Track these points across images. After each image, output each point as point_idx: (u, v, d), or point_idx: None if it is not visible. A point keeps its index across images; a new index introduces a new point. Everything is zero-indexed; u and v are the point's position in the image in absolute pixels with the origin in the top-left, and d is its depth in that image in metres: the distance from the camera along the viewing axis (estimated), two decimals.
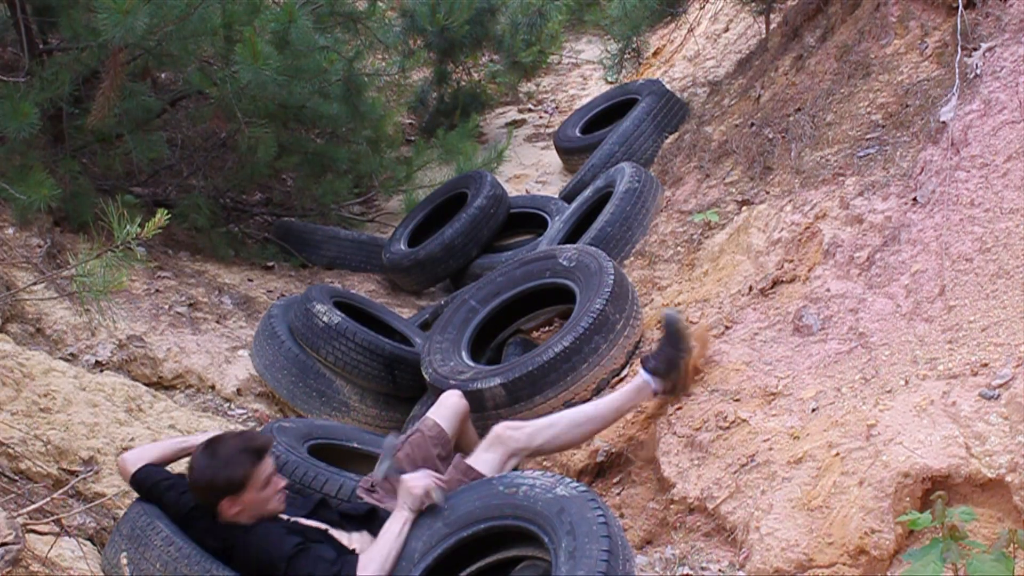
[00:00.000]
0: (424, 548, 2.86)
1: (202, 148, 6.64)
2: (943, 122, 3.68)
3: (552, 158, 7.82)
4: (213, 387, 4.62)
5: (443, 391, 3.89)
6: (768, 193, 4.27)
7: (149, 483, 3.14)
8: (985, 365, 2.87)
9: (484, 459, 3.20)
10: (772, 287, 3.74)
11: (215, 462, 2.94)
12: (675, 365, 3.45)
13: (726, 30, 8.07)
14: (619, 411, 3.47)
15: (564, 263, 4.21)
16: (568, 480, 2.83)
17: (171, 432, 4.00)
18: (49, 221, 5.16)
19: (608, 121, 6.93)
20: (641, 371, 3.49)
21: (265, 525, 2.98)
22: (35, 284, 4.52)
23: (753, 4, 6.61)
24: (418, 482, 2.94)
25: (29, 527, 3.07)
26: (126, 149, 5.55)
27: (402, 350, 4.65)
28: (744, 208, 4.32)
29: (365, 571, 2.83)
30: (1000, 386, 2.77)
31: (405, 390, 4.57)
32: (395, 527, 2.92)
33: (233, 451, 2.95)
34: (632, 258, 4.70)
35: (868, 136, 4.05)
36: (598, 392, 3.77)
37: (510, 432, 3.25)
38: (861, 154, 3.97)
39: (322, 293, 4.76)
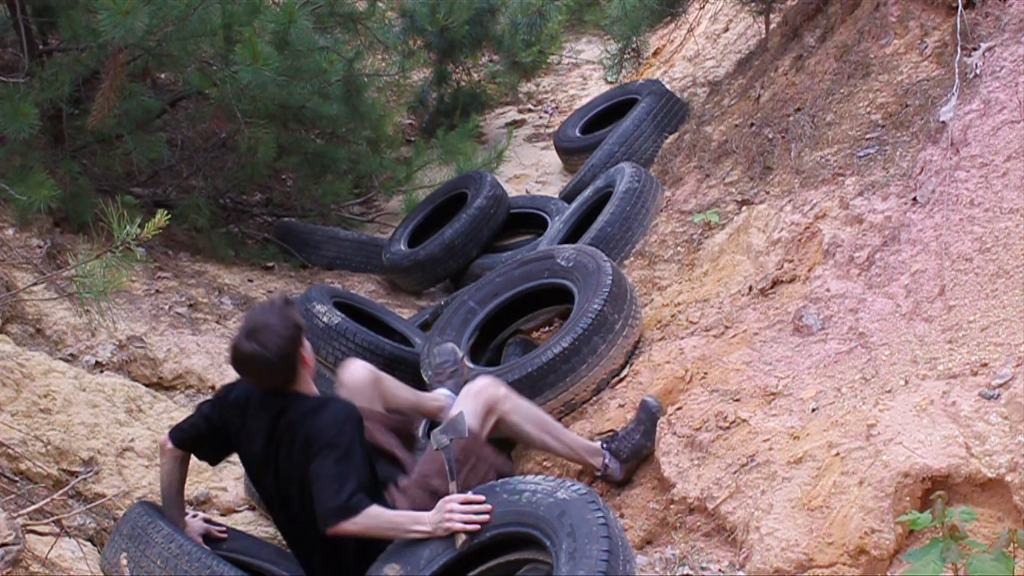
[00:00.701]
0: (431, 555, 2.87)
1: (202, 148, 6.64)
2: (943, 122, 3.68)
3: (552, 158, 7.82)
4: (213, 388, 4.62)
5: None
6: (768, 193, 4.28)
7: (189, 431, 3.17)
8: (985, 365, 2.87)
9: (468, 408, 3.22)
10: (772, 287, 3.74)
11: (273, 334, 2.96)
12: (639, 455, 3.46)
13: (726, 30, 8.07)
14: (567, 453, 3.46)
15: (562, 263, 4.20)
16: (569, 482, 2.83)
17: None
18: (49, 222, 5.16)
19: (608, 121, 6.92)
20: (604, 448, 3.44)
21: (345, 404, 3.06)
22: (35, 285, 4.52)
23: (753, 4, 6.60)
24: (453, 519, 2.88)
25: (29, 528, 3.08)
26: (126, 150, 5.55)
27: (402, 350, 4.64)
28: (744, 208, 4.32)
29: (363, 519, 2.87)
30: (1000, 386, 2.77)
31: None
32: (411, 527, 2.92)
33: (285, 317, 3.00)
34: (632, 258, 4.70)
35: (868, 136, 4.05)
36: (598, 392, 3.78)
37: (493, 390, 3.28)
38: (861, 154, 3.97)
39: (322, 293, 4.76)
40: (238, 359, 3.03)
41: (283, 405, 3.06)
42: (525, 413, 3.36)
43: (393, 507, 3.05)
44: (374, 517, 2.90)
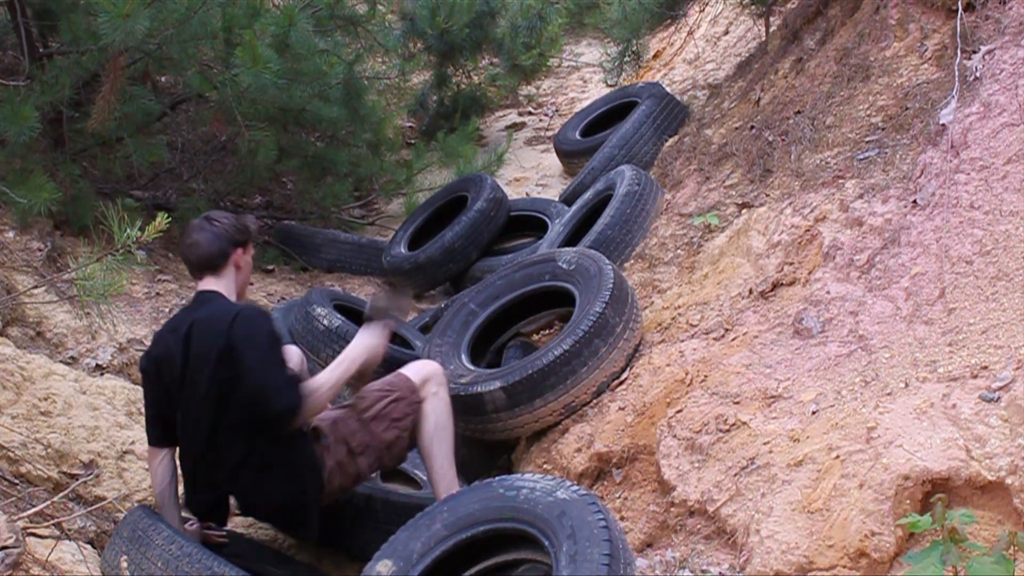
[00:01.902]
0: (422, 549, 2.87)
1: (202, 151, 6.64)
2: (943, 125, 3.68)
3: (552, 161, 7.82)
4: None
5: None
6: (768, 196, 4.28)
7: (150, 420, 3.29)
8: (985, 368, 2.87)
9: (415, 368, 3.59)
10: (772, 290, 3.74)
11: (226, 220, 3.29)
12: None
13: (726, 33, 8.08)
14: (430, 472, 3.52)
15: (563, 266, 4.21)
16: (569, 483, 2.83)
17: None
18: (49, 224, 5.16)
19: (608, 124, 6.93)
20: None
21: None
22: (36, 288, 4.52)
23: (753, 7, 6.61)
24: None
25: (29, 531, 3.08)
26: (126, 152, 5.55)
27: (402, 353, 4.64)
28: (744, 211, 4.32)
29: (314, 400, 3.12)
30: (1000, 388, 2.77)
31: None
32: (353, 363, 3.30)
33: (233, 217, 3.34)
34: (632, 261, 4.70)
35: (868, 139, 4.05)
36: (598, 395, 3.78)
37: (438, 368, 3.59)
38: (861, 157, 3.98)
39: (322, 296, 4.76)
40: (185, 233, 3.31)
41: (199, 306, 3.23)
42: (440, 410, 3.49)
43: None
44: (322, 391, 3.16)
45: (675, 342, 3.81)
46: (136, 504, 3.26)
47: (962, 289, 3.19)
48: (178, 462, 3.30)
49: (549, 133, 8.55)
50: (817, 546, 2.74)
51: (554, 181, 7.56)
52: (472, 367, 4.09)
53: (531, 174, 7.84)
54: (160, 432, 3.26)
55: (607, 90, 8.49)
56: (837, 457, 2.86)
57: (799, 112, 4.53)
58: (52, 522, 3.19)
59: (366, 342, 3.37)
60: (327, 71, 5.83)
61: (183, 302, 5.16)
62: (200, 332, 3.13)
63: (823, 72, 4.62)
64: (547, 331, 4.61)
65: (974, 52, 3.81)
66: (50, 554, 2.99)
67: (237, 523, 3.77)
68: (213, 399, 3.11)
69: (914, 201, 3.56)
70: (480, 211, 6.09)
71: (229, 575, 2.99)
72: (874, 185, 3.76)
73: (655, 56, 8.89)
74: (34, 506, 3.20)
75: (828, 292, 3.52)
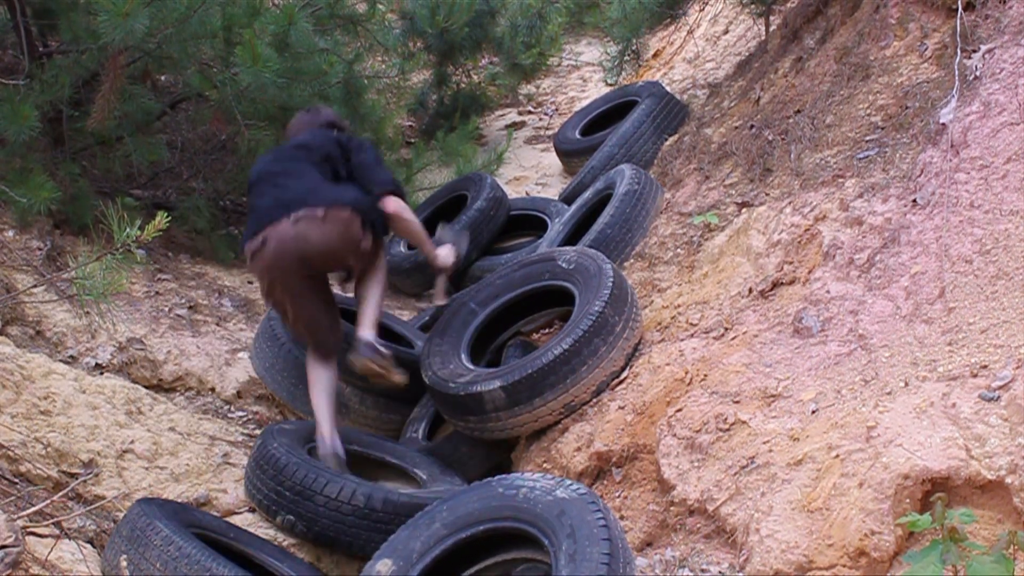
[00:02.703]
0: (422, 548, 2.87)
1: (202, 150, 6.63)
2: (943, 124, 3.68)
3: (552, 160, 7.81)
4: (213, 389, 4.61)
5: (442, 394, 3.90)
6: (768, 195, 4.28)
7: None
8: (985, 367, 2.87)
9: None
10: (772, 289, 3.74)
11: (327, 110, 4.72)
12: None
13: (726, 32, 8.07)
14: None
15: (563, 265, 4.21)
16: (568, 482, 2.83)
17: (170, 435, 4.01)
18: (49, 224, 5.15)
19: (608, 123, 6.92)
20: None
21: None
22: (35, 287, 4.51)
23: (753, 6, 6.61)
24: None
25: (29, 530, 3.08)
26: (126, 152, 5.54)
27: (402, 352, 4.64)
28: (744, 210, 4.32)
29: (405, 205, 4.29)
30: (1000, 388, 2.77)
31: (404, 392, 4.57)
32: (427, 244, 4.62)
33: (332, 110, 4.76)
34: (632, 260, 4.70)
35: (868, 138, 4.05)
36: (598, 394, 3.78)
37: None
38: (861, 156, 3.98)
39: None
40: (295, 117, 4.67)
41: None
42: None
43: None
44: (410, 212, 4.34)
45: (675, 341, 3.81)
46: (136, 502, 3.26)
47: (962, 288, 3.19)
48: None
49: (549, 132, 8.53)
50: (817, 545, 2.74)
51: (554, 180, 7.55)
52: (472, 366, 4.09)
53: (531, 173, 7.83)
54: None
55: (607, 89, 8.49)
56: (837, 456, 2.86)
57: (799, 111, 4.53)
58: (52, 521, 3.19)
59: (436, 248, 4.62)
60: (327, 70, 5.82)
61: (183, 301, 5.16)
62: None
63: (823, 71, 4.62)
64: (547, 330, 4.61)
65: (974, 51, 3.81)
66: (50, 553, 2.99)
67: (237, 521, 3.78)
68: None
69: (914, 200, 3.56)
70: (480, 210, 6.09)
71: (227, 575, 3.00)
72: (874, 184, 3.76)
73: (655, 55, 8.89)
74: (34, 505, 3.20)
75: (828, 291, 3.52)
